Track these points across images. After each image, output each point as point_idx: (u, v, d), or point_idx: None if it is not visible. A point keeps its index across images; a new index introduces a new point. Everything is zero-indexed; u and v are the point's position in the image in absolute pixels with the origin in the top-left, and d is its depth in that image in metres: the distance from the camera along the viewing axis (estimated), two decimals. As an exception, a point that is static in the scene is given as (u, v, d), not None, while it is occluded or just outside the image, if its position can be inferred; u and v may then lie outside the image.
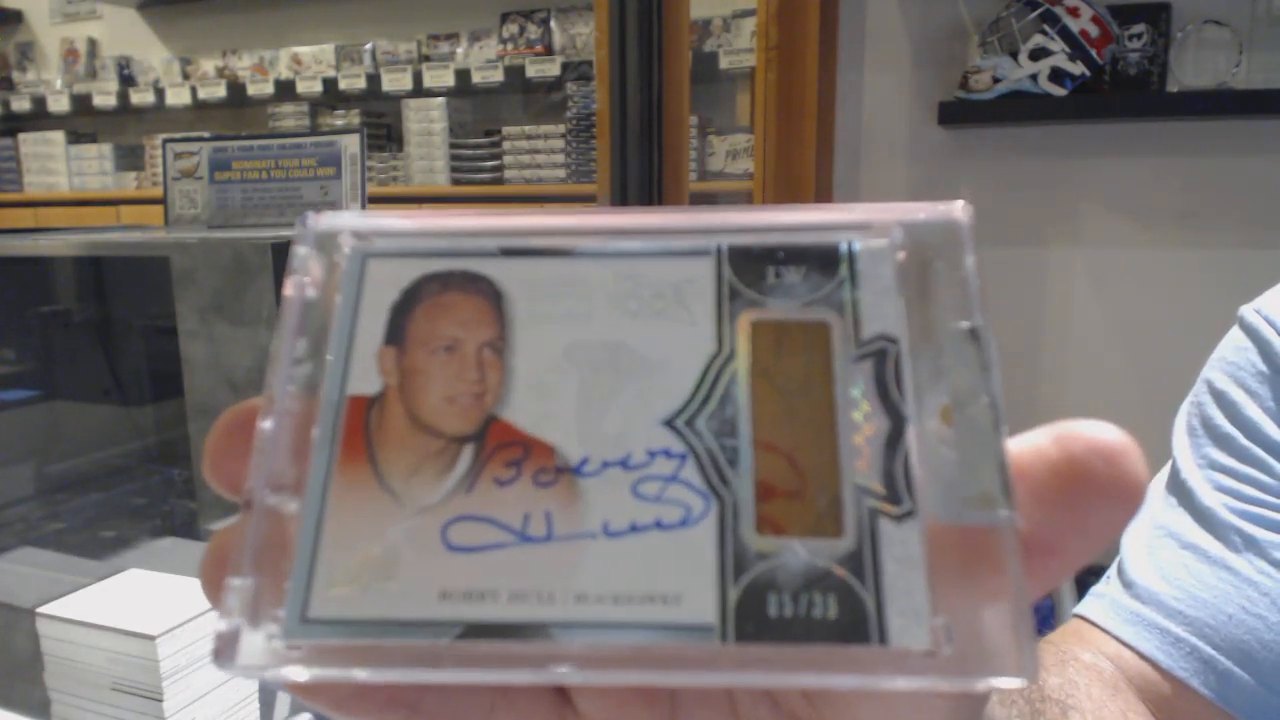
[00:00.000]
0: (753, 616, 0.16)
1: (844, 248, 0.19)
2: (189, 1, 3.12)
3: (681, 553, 0.17)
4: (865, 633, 0.16)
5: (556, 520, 0.17)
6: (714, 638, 0.16)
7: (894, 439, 0.17)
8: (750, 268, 0.19)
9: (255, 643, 0.16)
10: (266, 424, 0.18)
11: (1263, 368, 0.49)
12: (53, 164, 3.23)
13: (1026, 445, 0.17)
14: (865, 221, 0.19)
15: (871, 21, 1.96)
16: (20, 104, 3.28)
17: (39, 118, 3.27)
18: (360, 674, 0.17)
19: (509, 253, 0.20)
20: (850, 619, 0.16)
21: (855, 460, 0.17)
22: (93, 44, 3.31)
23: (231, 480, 0.18)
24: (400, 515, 0.17)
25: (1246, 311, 0.51)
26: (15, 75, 3.43)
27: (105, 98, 3.14)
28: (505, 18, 2.67)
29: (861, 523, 0.17)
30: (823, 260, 0.19)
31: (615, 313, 0.19)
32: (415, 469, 0.18)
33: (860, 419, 0.17)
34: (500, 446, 0.18)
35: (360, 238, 0.20)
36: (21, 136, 3.26)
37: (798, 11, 1.83)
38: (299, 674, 0.16)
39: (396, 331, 0.19)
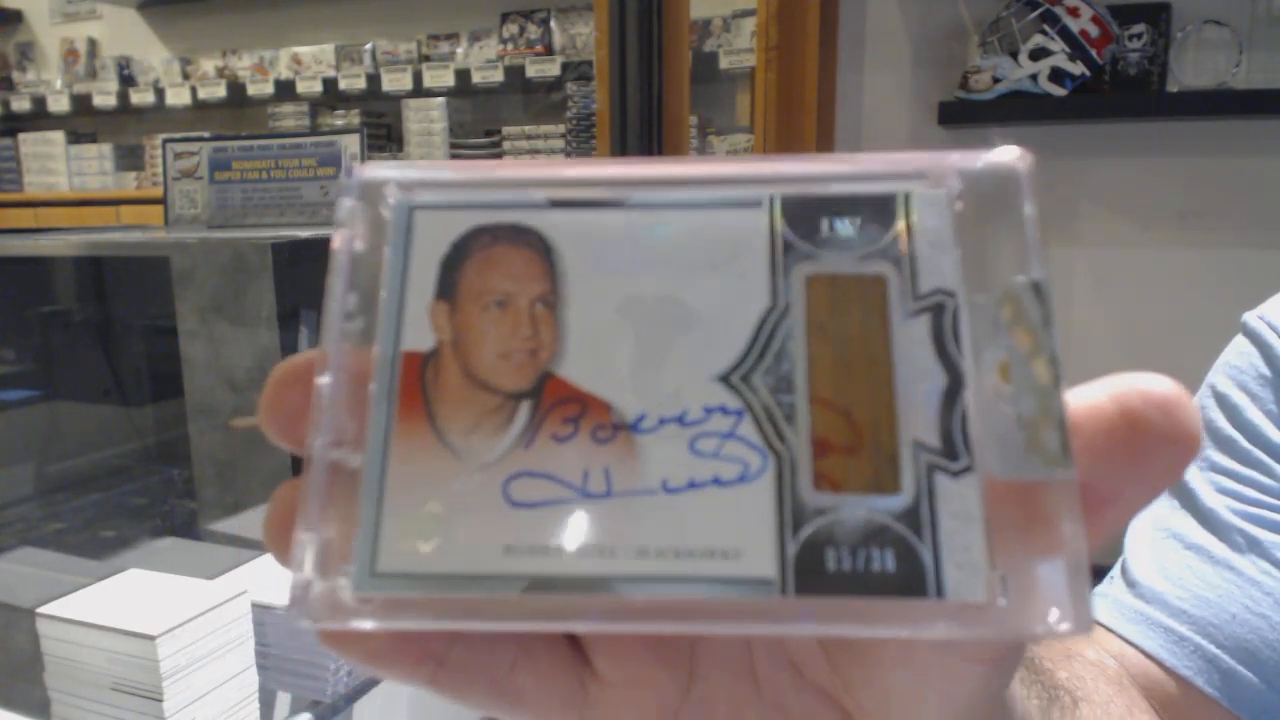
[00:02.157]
0: (812, 570, 0.16)
1: (900, 198, 0.19)
2: (189, 1, 3.12)
3: (740, 509, 0.17)
4: (923, 586, 0.16)
5: (615, 477, 0.17)
6: (774, 591, 0.16)
7: (951, 395, 0.17)
8: (804, 219, 0.19)
9: (327, 595, 0.17)
10: (324, 379, 0.18)
11: (1265, 371, 0.50)
12: (53, 164, 3.23)
13: (1082, 400, 0.17)
14: (921, 170, 0.19)
15: (871, 21, 1.96)
16: (20, 104, 3.28)
17: (39, 118, 3.27)
18: (433, 625, 0.17)
19: (558, 204, 0.20)
20: (907, 572, 0.16)
21: (912, 416, 0.17)
22: (93, 44, 3.32)
23: (289, 433, 0.18)
24: (461, 471, 0.18)
25: (1250, 318, 0.52)
26: (15, 75, 3.43)
27: (105, 98, 3.14)
28: (505, 18, 2.67)
29: (919, 478, 0.17)
30: (878, 211, 0.19)
31: (668, 266, 0.19)
32: (474, 425, 0.18)
33: (917, 374, 0.17)
34: (557, 403, 0.18)
35: (405, 189, 0.20)
36: (21, 136, 3.26)
37: (798, 11, 1.83)
38: (372, 624, 0.17)
39: (447, 286, 0.19)
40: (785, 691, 0.21)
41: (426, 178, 0.20)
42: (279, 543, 0.17)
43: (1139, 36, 1.76)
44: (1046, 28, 1.74)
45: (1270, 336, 0.50)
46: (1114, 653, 0.47)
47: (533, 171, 0.20)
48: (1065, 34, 1.73)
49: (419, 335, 0.19)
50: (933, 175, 0.19)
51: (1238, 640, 0.45)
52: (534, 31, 2.63)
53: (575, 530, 0.17)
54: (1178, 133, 1.77)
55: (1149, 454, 0.16)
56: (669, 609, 0.17)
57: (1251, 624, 0.45)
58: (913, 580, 0.16)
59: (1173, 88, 1.77)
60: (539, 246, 0.19)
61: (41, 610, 0.71)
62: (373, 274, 0.19)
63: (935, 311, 0.18)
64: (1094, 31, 1.72)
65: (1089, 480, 0.16)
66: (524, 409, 0.18)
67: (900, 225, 0.18)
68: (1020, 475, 0.16)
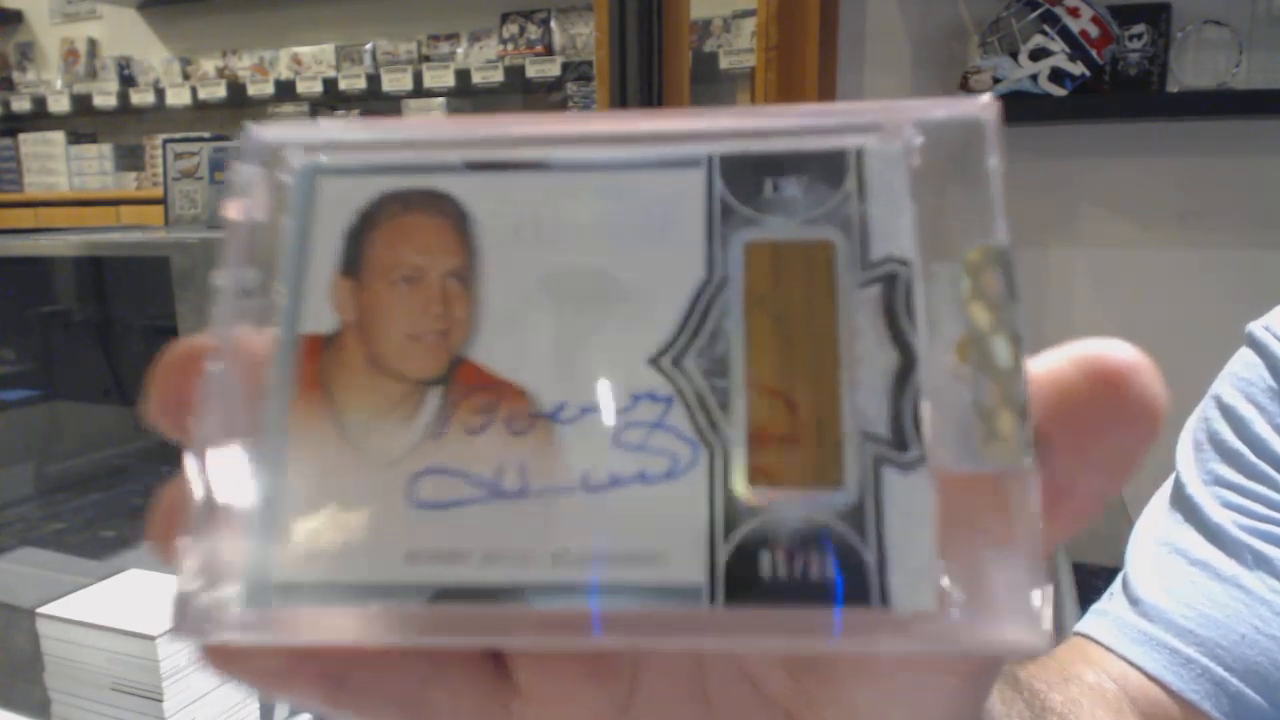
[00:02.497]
0: (744, 577, 0.15)
1: (851, 154, 0.17)
2: (189, 1, 3.11)
3: (667, 507, 0.15)
4: (865, 594, 0.15)
5: (531, 473, 0.16)
6: (702, 600, 0.15)
7: (903, 377, 0.15)
8: (745, 179, 0.17)
9: (213, 609, 0.15)
10: (213, 365, 0.16)
11: (1273, 384, 0.48)
12: (53, 164, 3.22)
13: (1041, 369, 0.15)
14: (876, 122, 0.17)
15: (871, 21, 1.96)
16: (20, 104, 3.28)
17: (39, 118, 3.27)
18: (326, 640, 0.16)
19: (475, 166, 0.18)
20: (850, 579, 0.15)
21: (859, 401, 0.15)
22: (93, 44, 3.31)
23: (181, 424, 0.16)
24: (364, 469, 0.16)
25: (1256, 328, 0.50)
26: (15, 75, 3.43)
27: (105, 98, 3.13)
28: (505, 18, 2.67)
29: (864, 472, 0.15)
30: (827, 168, 0.17)
31: (594, 235, 0.17)
32: (378, 417, 0.16)
33: (866, 354, 0.16)
34: (469, 391, 0.16)
35: (310, 151, 0.18)
36: (22, 137, 3.25)
37: (798, 11, 1.83)
38: (262, 639, 0.16)
39: (352, 261, 0.17)
40: (741, 708, 0.19)
41: (333, 138, 0.18)
42: (164, 547, 0.16)
43: (1139, 37, 1.76)
44: (1046, 28, 1.74)
45: (1276, 349, 0.48)
46: (1114, 675, 0.45)
47: (448, 129, 0.19)
48: (1065, 34, 1.73)
49: (320, 316, 0.17)
50: (889, 127, 0.17)
51: (1247, 662, 0.43)
52: (534, 32, 2.63)
53: (486, 533, 0.16)
54: (1178, 133, 1.77)
55: (1102, 433, 0.15)
56: (584, 620, 0.15)
57: (1261, 645, 0.43)
58: (855, 588, 0.15)
59: (1173, 88, 1.77)
60: (453, 214, 0.17)
61: (41, 610, 0.71)
62: (274, 248, 0.18)
63: (887, 282, 0.16)
64: (1094, 32, 1.72)
65: (1044, 469, 0.15)
66: (433, 397, 0.16)
67: (851, 184, 0.17)
68: (977, 467, 0.15)
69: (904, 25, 1.94)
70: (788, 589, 0.15)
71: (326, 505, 0.16)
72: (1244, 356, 0.51)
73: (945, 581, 0.15)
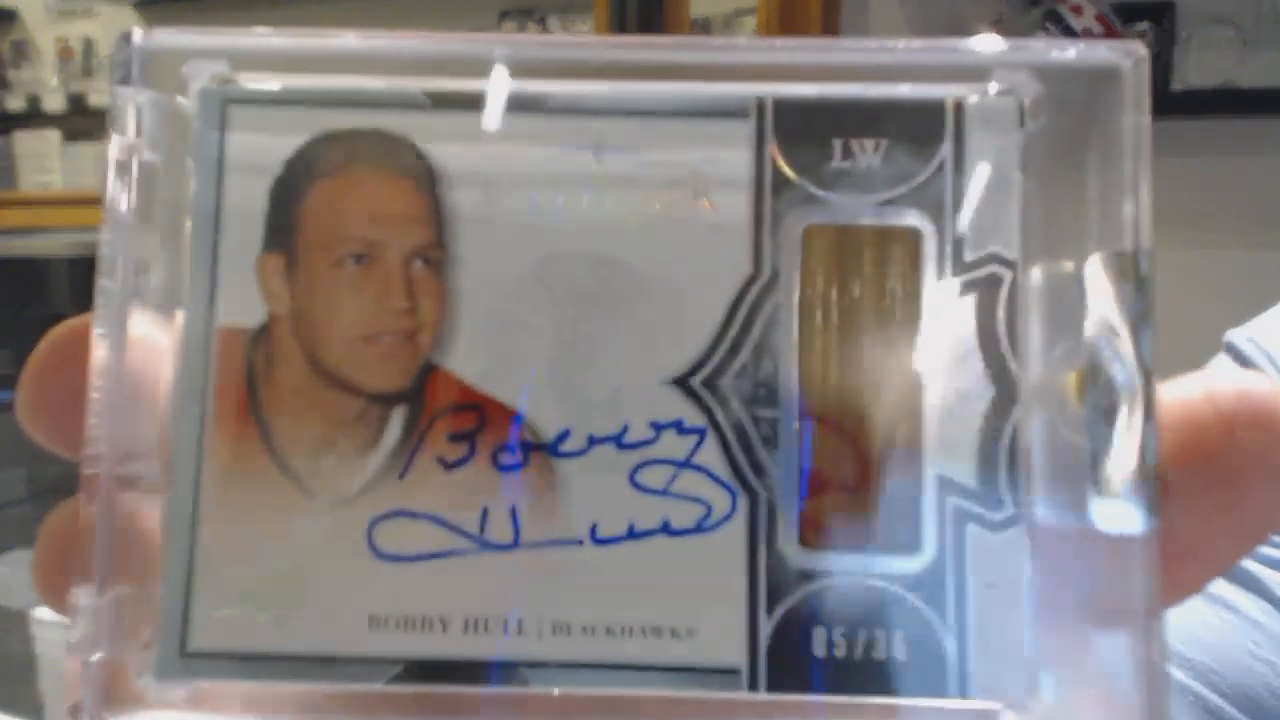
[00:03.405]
0: (792, 657, 0.12)
1: (949, 108, 0.13)
2: (187, 0, 3.10)
3: (697, 569, 0.13)
4: (942, 681, 0.12)
5: (526, 520, 0.13)
6: (740, 685, 0.12)
7: (998, 412, 0.12)
8: (807, 139, 0.13)
9: (116, 680, 0.12)
10: (103, 355, 0.13)
11: None
12: (48, 163, 3.21)
13: (1168, 403, 0.12)
14: (981, 64, 0.13)
15: (873, 20, 1.95)
16: (15, 102, 3.26)
17: (34, 116, 3.26)
18: None
19: (444, 103, 0.14)
20: (923, 663, 0.12)
21: (941, 440, 0.12)
22: (89, 42, 3.30)
23: (64, 436, 0.13)
24: (309, 509, 0.13)
25: (1238, 339, 0.48)
26: (10, 73, 3.41)
27: (101, 96, 3.12)
28: (504, 16, 2.66)
29: (944, 530, 0.12)
30: (916, 128, 0.13)
31: (605, 208, 0.13)
32: (324, 442, 0.13)
33: (953, 379, 0.13)
34: (445, 410, 0.13)
35: (216, 69, 0.14)
36: (16, 135, 3.24)
37: (799, 10, 1.82)
38: None
39: (282, 228, 0.13)
40: None
41: (248, 48, 0.14)
42: (52, 590, 0.13)
43: (1143, 35, 1.76)
44: (1049, 26, 1.74)
45: (1262, 363, 0.46)
46: None
47: (407, 42, 0.14)
48: (1068, 32, 1.73)
49: (241, 303, 0.13)
50: (1000, 74, 0.13)
51: (1241, 689, 0.41)
52: (533, 30, 2.62)
53: (468, 595, 0.13)
54: (1182, 132, 1.77)
55: (1248, 486, 0.12)
56: (596, 709, 0.12)
57: (1255, 670, 0.41)
58: (929, 674, 0.12)
59: (1177, 87, 1.76)
60: (416, 170, 0.13)
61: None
62: (175, 203, 0.14)
63: (986, 288, 0.13)
64: (1097, 30, 1.72)
65: (1167, 526, 0.12)
66: (397, 418, 0.13)
67: (946, 151, 0.13)
68: (1085, 527, 0.12)
69: (905, 24, 1.94)
70: (845, 674, 0.12)
71: (264, 553, 0.13)
72: (1224, 367, 0.48)
73: (1039, 668, 0.12)
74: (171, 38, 0.14)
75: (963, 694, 0.12)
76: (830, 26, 1.90)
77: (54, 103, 3.19)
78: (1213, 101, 1.72)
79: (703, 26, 2.37)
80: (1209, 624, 0.43)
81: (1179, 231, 1.81)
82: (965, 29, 1.90)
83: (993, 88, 0.13)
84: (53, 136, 3.21)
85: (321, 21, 2.89)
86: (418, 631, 0.12)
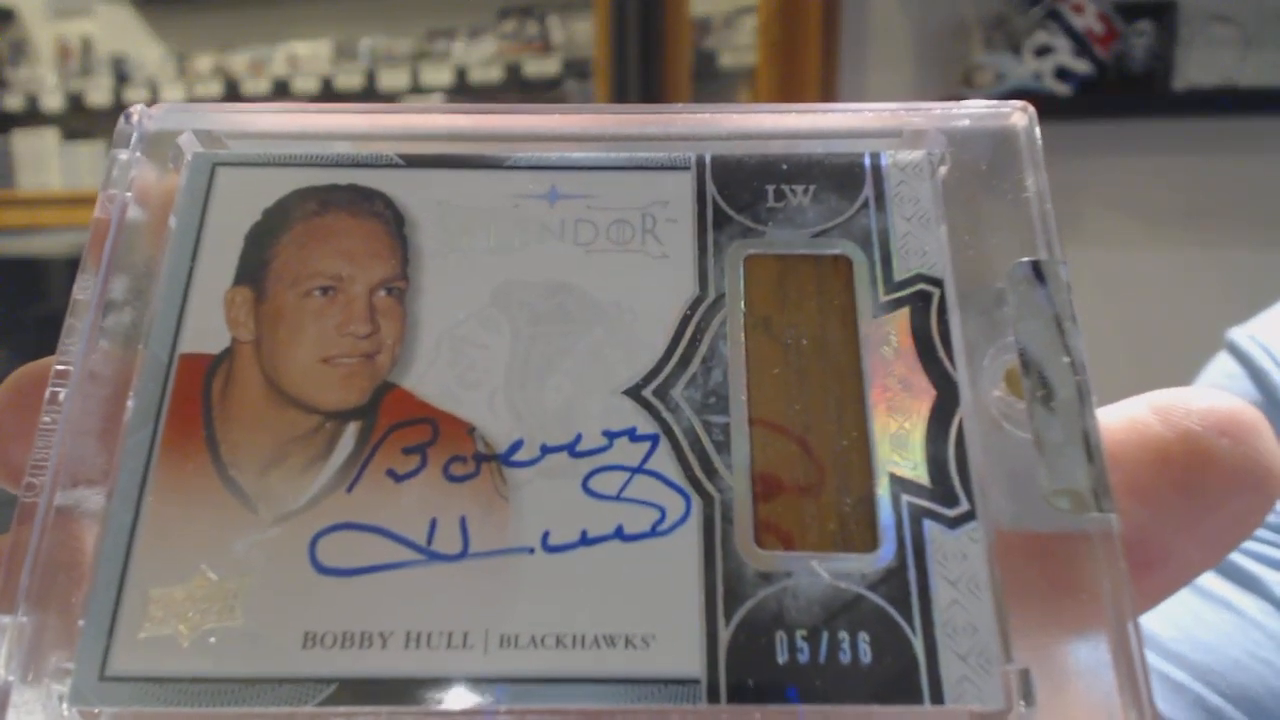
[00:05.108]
0: (752, 665, 0.12)
1: (868, 161, 0.14)
2: (186, 0, 3.10)
3: (652, 573, 0.12)
4: (913, 687, 0.11)
5: (476, 529, 0.13)
6: (699, 696, 0.12)
7: (943, 414, 0.13)
8: (743, 185, 0.14)
9: (32, 708, 0.12)
10: (58, 391, 0.13)
11: (1256, 396, 0.46)
12: (46, 162, 3.20)
13: (1118, 420, 0.13)
14: (896, 127, 0.15)
15: (874, 19, 1.95)
16: (13, 102, 3.26)
17: (32, 115, 3.25)
18: None
19: (415, 162, 0.14)
20: (890, 667, 0.12)
21: (891, 443, 0.13)
22: (87, 41, 3.29)
23: (9, 467, 0.13)
24: (250, 524, 0.13)
25: (1239, 337, 0.48)
26: (8, 72, 3.40)
27: (100, 95, 3.11)
28: (503, 14, 2.65)
29: (902, 529, 0.12)
30: (840, 177, 0.14)
31: (561, 243, 0.14)
32: (275, 458, 0.13)
33: (895, 386, 0.13)
34: (398, 425, 0.13)
35: (208, 140, 0.15)
36: (15, 134, 3.23)
37: (799, 9, 1.82)
38: None
39: (254, 266, 0.14)
40: None
41: (239, 125, 0.15)
42: None
43: (1144, 34, 1.75)
44: (1050, 24, 1.73)
45: (1264, 361, 0.46)
46: None
47: (382, 118, 0.15)
48: (1069, 31, 1.72)
49: (206, 332, 0.14)
50: (910, 134, 0.14)
51: (1241, 689, 0.40)
52: (532, 28, 2.62)
53: (411, 608, 0.12)
54: (1184, 131, 1.76)
55: (1215, 495, 0.12)
56: None
57: (1255, 670, 0.41)
58: (897, 678, 0.11)
59: (1179, 85, 1.76)
60: (385, 215, 0.14)
61: None
62: (152, 252, 0.15)
63: (917, 303, 0.13)
64: (1098, 28, 1.71)
65: (1134, 532, 0.12)
66: (349, 434, 0.13)
67: (868, 193, 0.14)
68: (1040, 525, 0.12)
69: (906, 23, 1.93)
70: (809, 680, 0.11)
71: (196, 570, 0.12)
72: (1224, 366, 0.48)
73: (1013, 668, 0.11)
74: (170, 114, 0.15)
75: (935, 700, 0.11)
76: (830, 26, 1.90)
77: (52, 102, 3.18)
78: (1214, 100, 1.71)
79: (703, 26, 2.37)
80: (1209, 624, 0.43)
81: (1179, 231, 1.81)
82: (965, 29, 1.89)
83: (907, 146, 0.15)
84: (51, 135, 3.21)
85: (322, 21, 2.89)
86: (355, 648, 0.12)
